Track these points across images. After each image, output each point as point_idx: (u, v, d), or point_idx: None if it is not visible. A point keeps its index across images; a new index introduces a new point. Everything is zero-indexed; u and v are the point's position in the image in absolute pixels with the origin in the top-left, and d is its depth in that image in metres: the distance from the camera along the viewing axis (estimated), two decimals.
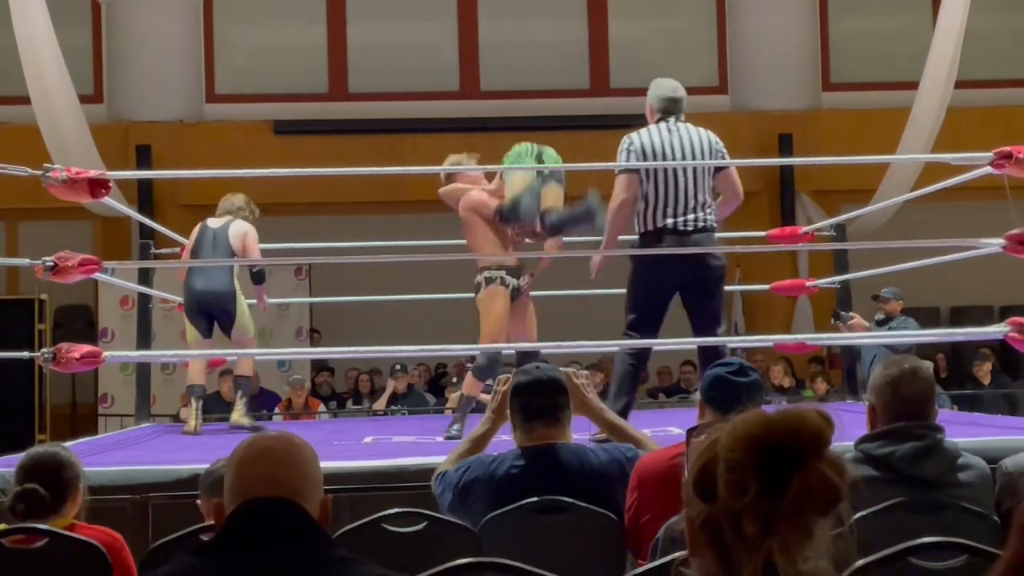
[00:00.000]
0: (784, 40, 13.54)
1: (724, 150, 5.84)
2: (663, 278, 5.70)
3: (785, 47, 13.53)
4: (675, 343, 6.63)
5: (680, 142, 5.70)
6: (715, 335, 5.74)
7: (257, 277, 7.37)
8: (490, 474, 3.56)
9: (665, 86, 5.91)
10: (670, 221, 5.65)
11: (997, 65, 13.59)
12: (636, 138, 5.75)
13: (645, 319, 5.74)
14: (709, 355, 5.46)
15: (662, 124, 5.77)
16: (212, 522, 2.20)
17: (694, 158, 5.68)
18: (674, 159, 5.66)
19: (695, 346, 6.09)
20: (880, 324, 8.88)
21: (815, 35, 13.87)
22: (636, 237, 5.86)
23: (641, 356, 5.79)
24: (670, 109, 5.81)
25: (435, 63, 13.93)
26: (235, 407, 7.32)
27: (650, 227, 5.69)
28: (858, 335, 8.11)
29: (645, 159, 5.67)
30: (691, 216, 5.66)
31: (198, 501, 3.44)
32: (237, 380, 7.53)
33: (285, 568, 2.00)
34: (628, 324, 5.78)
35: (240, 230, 7.15)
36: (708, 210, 5.72)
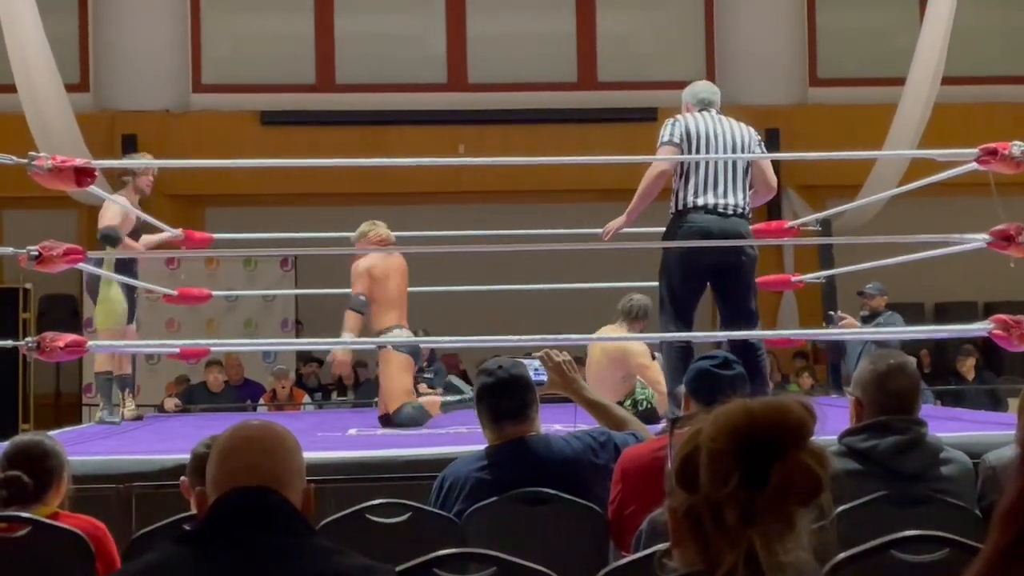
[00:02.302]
0: (771, 35, 13.57)
1: (762, 143, 6.00)
2: (695, 259, 5.70)
3: (772, 42, 13.55)
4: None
5: (721, 129, 5.84)
6: (752, 328, 5.76)
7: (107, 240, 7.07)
8: (465, 475, 3.55)
9: (699, 86, 6.17)
10: (710, 201, 5.69)
11: (980, 61, 13.61)
12: (680, 119, 5.87)
13: (681, 305, 5.74)
14: (740, 353, 5.46)
15: (704, 112, 5.91)
16: (195, 508, 2.19)
17: (733, 145, 5.81)
18: (715, 143, 5.78)
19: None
20: (865, 320, 8.90)
21: (802, 30, 13.88)
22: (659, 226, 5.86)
23: (687, 342, 5.73)
24: (707, 103, 5.96)
25: (422, 55, 13.90)
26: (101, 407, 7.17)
27: (688, 205, 5.72)
28: (840, 331, 8.13)
29: (688, 139, 5.78)
30: (730, 200, 5.72)
31: (182, 478, 3.41)
32: (96, 377, 7.38)
33: (267, 557, 2.00)
34: (665, 312, 5.78)
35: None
36: (742, 197, 5.78)
